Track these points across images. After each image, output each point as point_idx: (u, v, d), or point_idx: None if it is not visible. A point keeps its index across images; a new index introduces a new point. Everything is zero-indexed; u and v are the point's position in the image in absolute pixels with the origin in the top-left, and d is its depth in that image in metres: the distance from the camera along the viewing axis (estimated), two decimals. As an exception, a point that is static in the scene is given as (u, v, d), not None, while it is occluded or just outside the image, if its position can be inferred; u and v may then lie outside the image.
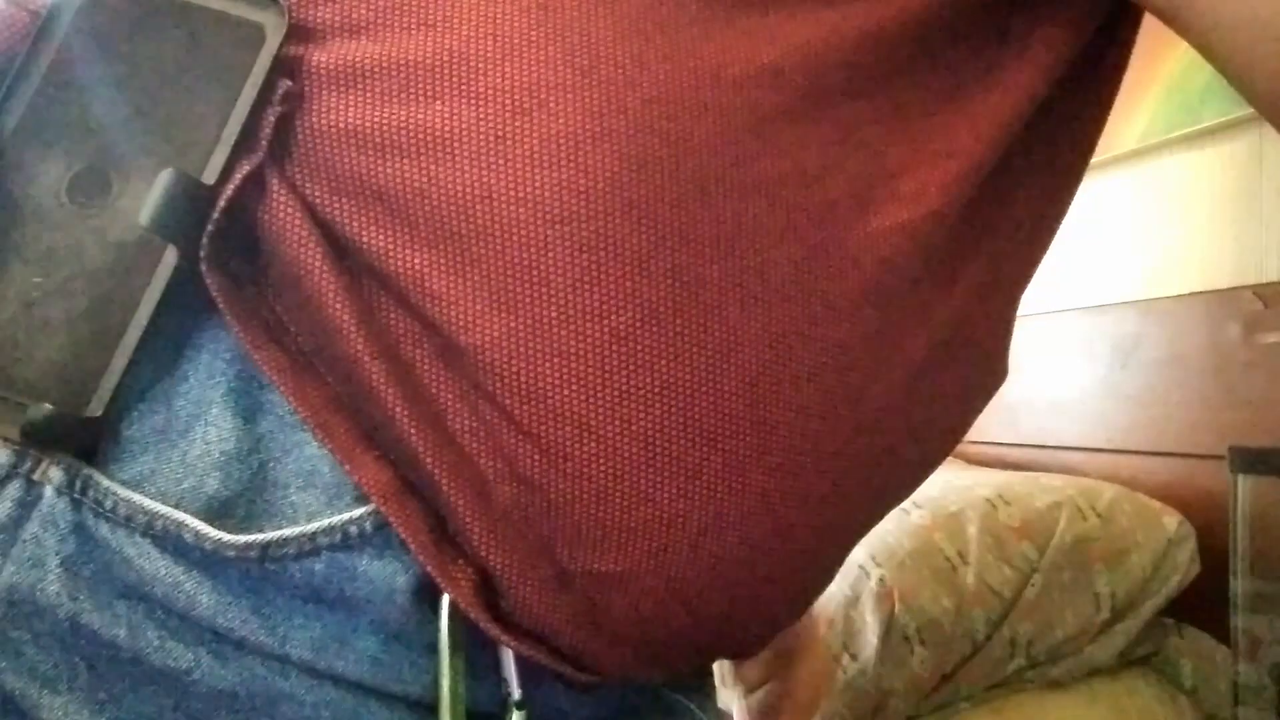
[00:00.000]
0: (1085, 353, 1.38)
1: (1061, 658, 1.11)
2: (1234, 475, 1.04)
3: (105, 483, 0.34)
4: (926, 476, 0.47)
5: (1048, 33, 0.41)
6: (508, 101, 0.35)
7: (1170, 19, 0.38)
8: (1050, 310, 1.45)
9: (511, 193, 0.34)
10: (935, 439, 0.45)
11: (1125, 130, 1.31)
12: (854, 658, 1.05)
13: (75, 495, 0.34)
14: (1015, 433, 1.43)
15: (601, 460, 0.35)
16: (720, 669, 0.68)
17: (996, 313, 0.45)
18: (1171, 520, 1.14)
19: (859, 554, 1.10)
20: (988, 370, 0.47)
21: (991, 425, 1.51)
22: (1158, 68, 1.29)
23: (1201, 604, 1.12)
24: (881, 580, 1.07)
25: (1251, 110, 1.25)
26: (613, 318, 0.35)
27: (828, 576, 0.44)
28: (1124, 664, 1.14)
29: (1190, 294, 1.24)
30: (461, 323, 0.35)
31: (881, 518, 0.46)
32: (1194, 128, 1.25)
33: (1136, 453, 1.27)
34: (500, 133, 0.35)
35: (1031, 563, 1.10)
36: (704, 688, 0.51)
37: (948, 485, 1.21)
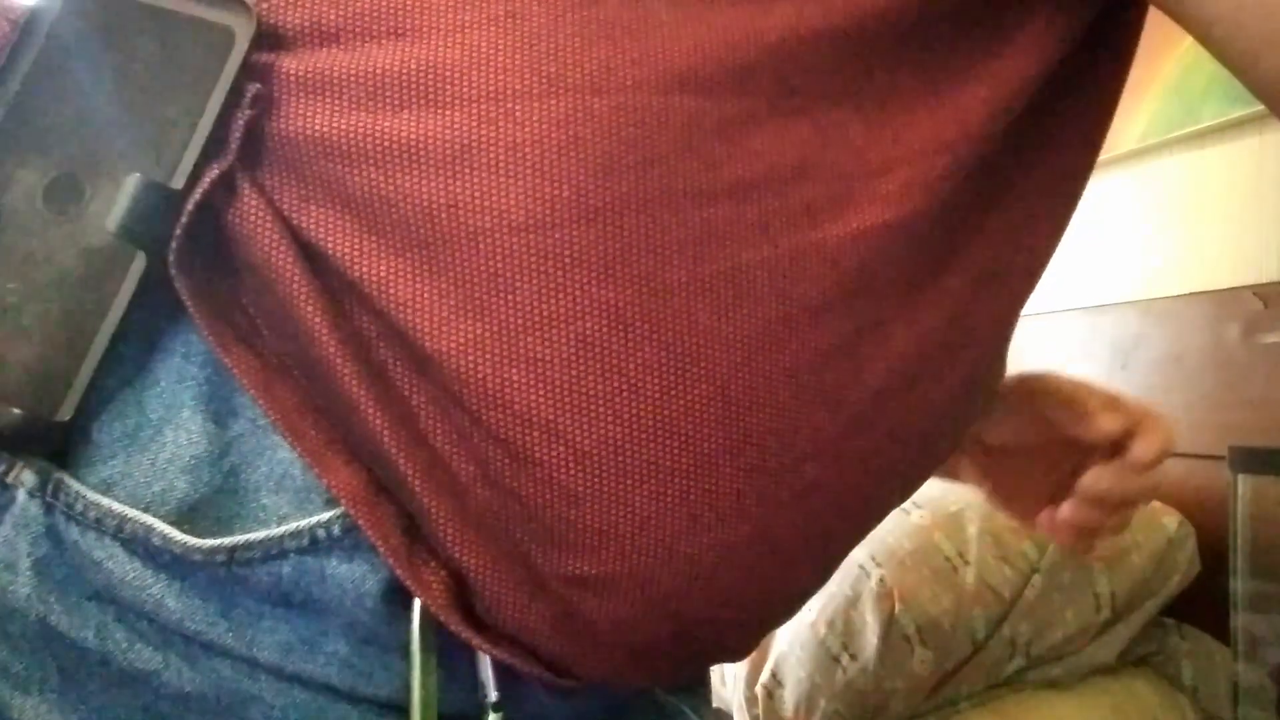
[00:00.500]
0: (1085, 353, 1.38)
1: (1061, 658, 1.10)
2: (1234, 475, 1.03)
3: (76, 486, 0.35)
4: (923, 479, 0.47)
5: (1036, 25, 0.40)
6: (474, 110, 0.35)
7: (1172, 6, 0.38)
8: (1050, 310, 1.44)
9: (477, 202, 0.35)
10: (925, 441, 0.44)
11: (1125, 130, 1.31)
12: (854, 658, 1.05)
13: (47, 498, 0.35)
14: (1015, 433, 1.42)
15: (571, 464, 0.35)
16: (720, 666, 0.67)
17: (995, 313, 0.45)
18: (1171, 520, 1.13)
19: (859, 554, 1.10)
20: (984, 370, 0.47)
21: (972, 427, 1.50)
22: (1158, 68, 1.29)
23: (1201, 604, 1.11)
24: (881, 580, 1.06)
25: (1251, 110, 1.25)
26: (579, 324, 0.35)
27: (817, 578, 0.44)
28: (1124, 664, 1.13)
29: (1190, 294, 1.23)
30: (428, 329, 0.35)
31: (876, 520, 0.45)
32: (1194, 128, 1.24)
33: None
34: (466, 142, 0.35)
35: (1031, 563, 1.09)
36: (700, 689, 0.51)
37: (948, 485, 1.20)
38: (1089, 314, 1.39)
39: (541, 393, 0.35)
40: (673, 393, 0.35)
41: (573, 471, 0.35)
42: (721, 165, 0.36)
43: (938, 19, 0.39)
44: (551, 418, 0.35)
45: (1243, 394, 1.14)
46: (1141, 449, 0.57)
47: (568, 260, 0.35)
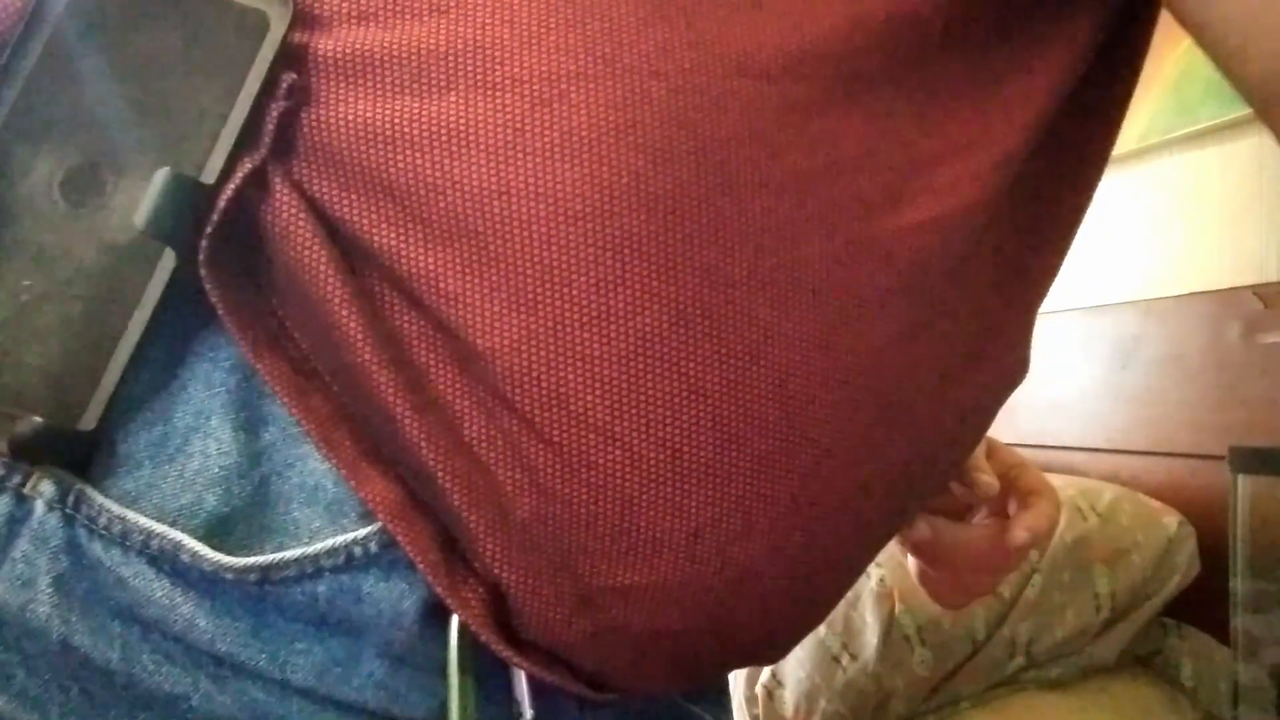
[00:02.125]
0: (1085, 353, 1.38)
1: (1061, 658, 1.11)
2: (1234, 475, 1.03)
3: (99, 499, 0.33)
4: (952, 476, 0.46)
5: (1076, 16, 0.39)
6: (526, 92, 0.33)
7: (1175, 6, 0.37)
8: (1050, 310, 1.44)
9: (530, 188, 0.33)
10: (952, 445, 0.44)
11: (1125, 130, 1.30)
12: (854, 658, 1.05)
13: (67, 510, 0.33)
14: (1015, 433, 1.42)
15: (627, 469, 0.33)
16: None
17: (1022, 306, 0.44)
18: (1171, 520, 1.13)
19: (858, 554, 1.09)
20: (1012, 364, 0.46)
21: (991, 425, 1.50)
22: (1158, 68, 1.29)
23: (1201, 604, 1.12)
24: (881, 580, 1.06)
25: (1251, 110, 1.25)
26: (638, 319, 0.33)
27: (852, 580, 0.43)
28: (1124, 664, 1.13)
29: (1190, 294, 1.23)
30: (478, 325, 0.33)
31: (907, 524, 0.45)
32: (1194, 128, 1.25)
33: (1136, 453, 1.26)
34: (518, 125, 0.33)
35: (1031, 563, 1.09)
36: (721, 697, 0.50)
37: (947, 485, 1.20)
38: (1089, 314, 1.39)
39: (598, 393, 0.33)
40: (731, 393, 0.34)
41: (628, 476, 0.33)
42: (781, 154, 0.34)
43: (987, 10, 0.38)
44: (607, 419, 0.33)
45: (1243, 394, 1.14)
46: (1018, 530, 0.54)
47: (626, 251, 0.33)
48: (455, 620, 0.35)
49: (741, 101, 0.34)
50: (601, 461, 0.33)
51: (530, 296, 0.33)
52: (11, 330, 0.33)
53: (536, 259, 0.33)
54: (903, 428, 0.38)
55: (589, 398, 0.33)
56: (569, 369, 0.33)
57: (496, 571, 0.35)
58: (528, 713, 0.36)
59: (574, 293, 0.33)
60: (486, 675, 0.36)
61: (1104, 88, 0.44)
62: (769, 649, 0.42)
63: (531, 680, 0.36)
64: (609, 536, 0.34)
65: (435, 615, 0.35)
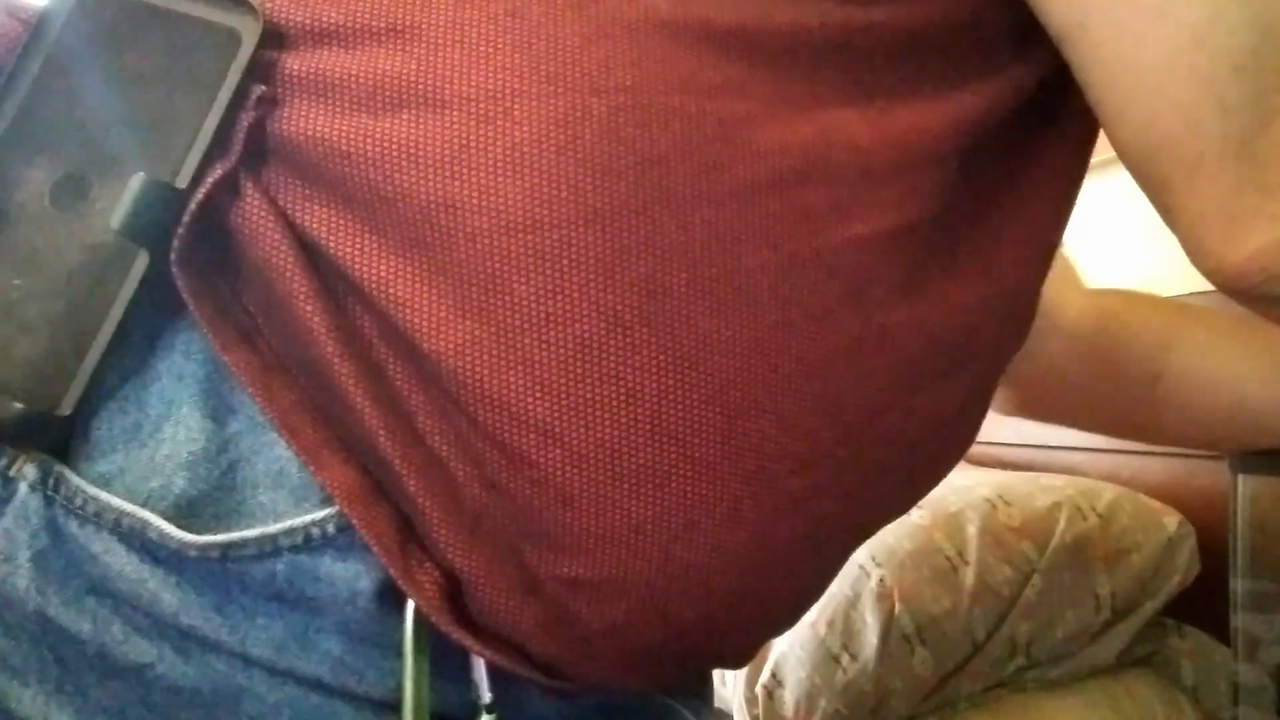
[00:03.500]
0: (1086, 353, 1.38)
1: (1061, 658, 1.10)
2: (1234, 475, 1.03)
3: (75, 480, 0.35)
4: (927, 488, 0.47)
5: (1037, 33, 0.40)
6: (472, 110, 0.35)
7: (1062, 49, 0.38)
8: (1051, 310, 1.44)
9: (475, 202, 0.35)
10: (927, 450, 0.44)
11: (1126, 130, 1.31)
12: (854, 658, 1.05)
13: (48, 492, 0.35)
14: (1015, 433, 1.42)
15: (567, 467, 0.35)
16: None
17: (998, 324, 0.44)
18: (1171, 520, 1.13)
19: (859, 554, 1.09)
20: (991, 378, 0.46)
21: (991, 425, 1.50)
22: (1158, 67, 1.28)
23: (1201, 604, 1.11)
24: (881, 580, 1.06)
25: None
26: (577, 326, 0.35)
27: (819, 584, 0.44)
28: (1124, 664, 1.13)
29: (1190, 294, 1.23)
30: (426, 329, 0.35)
31: (877, 527, 0.45)
32: (1195, 127, 1.24)
33: (1136, 453, 1.26)
34: (464, 141, 0.35)
35: (1031, 563, 1.09)
36: (702, 693, 0.50)
37: (948, 485, 1.20)
38: (1090, 314, 1.38)
39: (538, 394, 0.35)
40: (670, 397, 0.35)
41: (568, 474, 0.35)
42: (723, 167, 0.36)
43: (938, 27, 0.39)
44: (548, 420, 0.35)
45: (1243, 394, 1.14)
46: None
47: (566, 262, 0.35)
48: (411, 603, 0.36)
49: (682, 117, 0.35)
50: (542, 460, 0.35)
51: (475, 304, 0.35)
52: (1, 326, 0.36)
53: (481, 268, 0.35)
54: (854, 435, 0.39)
55: (530, 399, 0.35)
56: (511, 372, 0.35)
57: (450, 557, 0.36)
58: (485, 696, 0.38)
59: (516, 300, 0.35)
60: (446, 659, 0.37)
61: (1071, 97, 0.44)
62: (726, 650, 0.42)
63: (490, 665, 0.38)
64: (552, 529, 0.35)
65: (392, 597, 0.37)
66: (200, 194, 0.36)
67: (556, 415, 0.35)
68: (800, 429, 0.37)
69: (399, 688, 0.37)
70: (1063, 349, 0.63)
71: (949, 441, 0.46)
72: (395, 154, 0.35)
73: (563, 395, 0.35)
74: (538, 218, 0.35)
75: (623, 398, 0.35)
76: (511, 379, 0.35)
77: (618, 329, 0.35)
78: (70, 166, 0.37)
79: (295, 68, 0.37)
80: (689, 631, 0.39)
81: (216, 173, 0.36)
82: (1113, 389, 0.63)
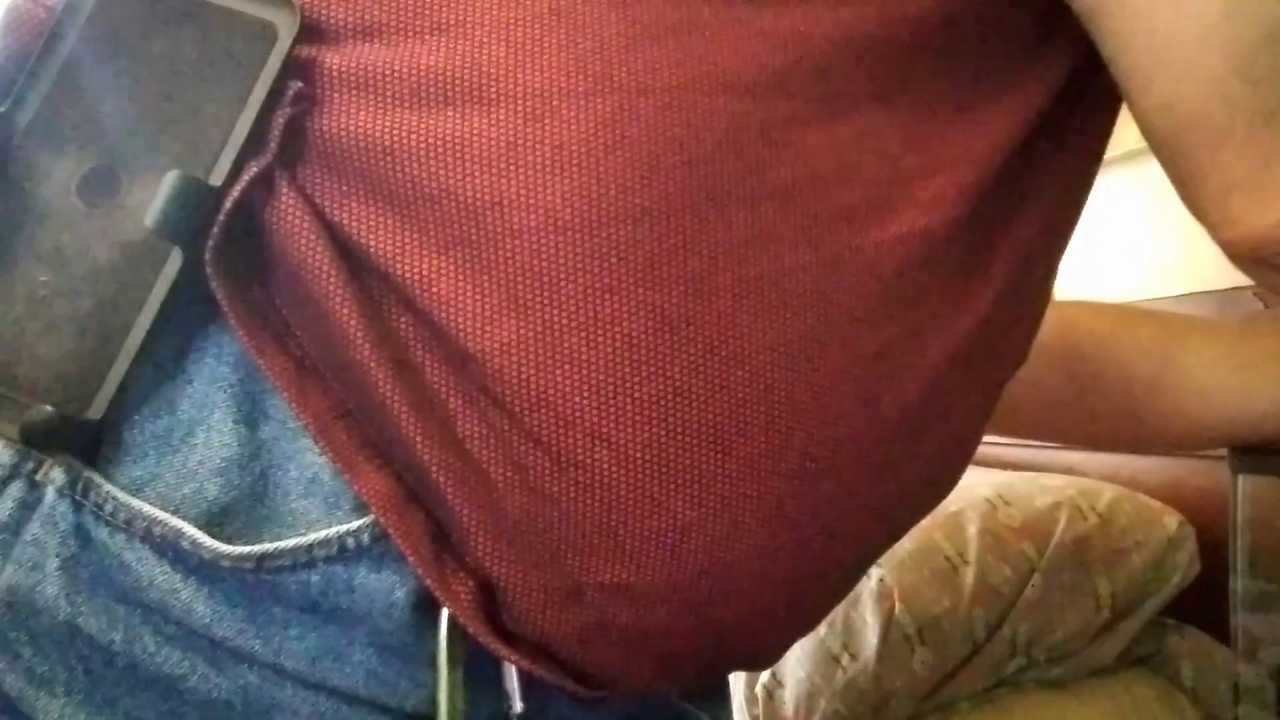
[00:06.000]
0: (1085, 353, 1.38)
1: (1061, 658, 1.11)
2: (1234, 475, 1.03)
3: (106, 486, 0.34)
4: (945, 492, 0.47)
5: (1060, 39, 0.41)
6: (520, 108, 0.35)
7: (1088, 20, 0.38)
8: (1050, 310, 1.45)
9: (523, 200, 0.34)
10: (950, 453, 0.44)
11: (1125, 130, 1.31)
12: (854, 658, 1.05)
13: (77, 497, 0.34)
14: (1015, 433, 1.42)
15: (614, 468, 0.35)
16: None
17: (1017, 327, 0.45)
18: (1171, 520, 1.14)
19: (859, 554, 1.09)
20: (1001, 382, 0.47)
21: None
22: (1158, 68, 1.29)
23: (1201, 604, 1.12)
24: (881, 580, 1.06)
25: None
26: (624, 325, 0.34)
27: (846, 586, 0.44)
28: (1124, 664, 1.14)
29: (1190, 294, 1.23)
30: (470, 328, 0.34)
31: (904, 532, 0.45)
32: (1194, 128, 1.25)
33: (1136, 453, 1.27)
34: (512, 139, 0.35)
35: (1031, 562, 1.09)
36: (721, 696, 0.50)
37: (947, 485, 1.21)
38: (1089, 314, 1.39)
39: (585, 395, 0.34)
40: (716, 397, 0.35)
41: (616, 476, 0.35)
42: (766, 168, 0.36)
43: (970, 31, 0.39)
44: (595, 421, 0.34)
45: (1242, 395, 1.14)
46: None
47: (613, 260, 0.34)
48: (445, 613, 0.36)
49: (726, 117, 0.35)
50: (589, 461, 0.34)
51: (521, 302, 0.34)
52: (28, 324, 0.35)
53: (528, 267, 0.34)
54: (892, 436, 0.39)
55: (577, 399, 0.34)
56: (558, 372, 0.34)
57: (487, 566, 0.36)
58: (517, 706, 0.37)
59: (563, 299, 0.34)
60: (477, 668, 0.37)
61: (1086, 101, 0.45)
62: (758, 652, 0.42)
63: (522, 674, 0.37)
64: (596, 534, 0.35)
65: (426, 607, 0.36)
66: (236, 192, 0.35)
67: (604, 416, 0.34)
68: (842, 429, 0.37)
69: (432, 699, 0.36)
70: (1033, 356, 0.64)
71: (967, 444, 0.46)
72: (441, 151, 0.35)
73: (610, 396, 0.34)
74: (586, 216, 0.34)
75: (670, 398, 0.35)
76: (559, 379, 0.34)
77: (665, 328, 0.35)
78: (98, 160, 0.35)
79: (336, 64, 0.36)
80: (726, 634, 0.38)
81: (252, 170, 0.35)
82: (1087, 397, 0.64)
